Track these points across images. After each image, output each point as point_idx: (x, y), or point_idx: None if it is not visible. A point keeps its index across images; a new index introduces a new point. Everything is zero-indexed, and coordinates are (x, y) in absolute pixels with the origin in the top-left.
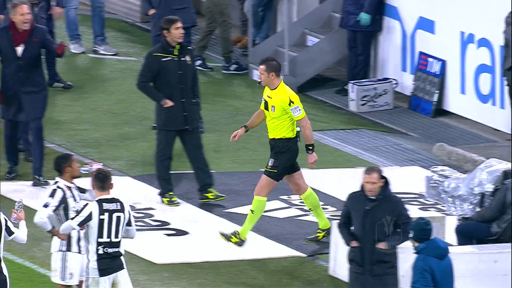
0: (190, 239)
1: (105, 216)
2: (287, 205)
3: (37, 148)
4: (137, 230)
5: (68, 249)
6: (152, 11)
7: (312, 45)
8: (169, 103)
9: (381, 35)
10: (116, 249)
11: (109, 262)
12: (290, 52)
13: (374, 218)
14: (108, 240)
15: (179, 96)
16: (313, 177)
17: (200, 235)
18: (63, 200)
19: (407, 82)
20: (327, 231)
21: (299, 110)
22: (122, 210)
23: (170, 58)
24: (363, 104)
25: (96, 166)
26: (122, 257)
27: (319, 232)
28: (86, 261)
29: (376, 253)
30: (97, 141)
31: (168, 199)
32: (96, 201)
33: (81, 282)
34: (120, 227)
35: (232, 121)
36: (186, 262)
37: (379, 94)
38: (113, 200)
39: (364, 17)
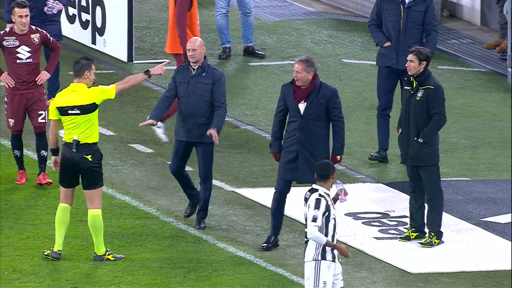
0: (444, 248)
1: None
2: None
3: None
4: None
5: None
6: None
7: None
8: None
9: None
10: None
11: None
12: None
13: None
14: None
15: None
16: None
17: (455, 244)
18: (327, 208)
19: None
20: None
21: None
22: None
23: (408, 88)
24: None
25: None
26: None
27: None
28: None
29: None
30: None
31: None
32: None
33: None
34: None
35: (489, 128)
36: (441, 272)
37: None
38: None
39: None
